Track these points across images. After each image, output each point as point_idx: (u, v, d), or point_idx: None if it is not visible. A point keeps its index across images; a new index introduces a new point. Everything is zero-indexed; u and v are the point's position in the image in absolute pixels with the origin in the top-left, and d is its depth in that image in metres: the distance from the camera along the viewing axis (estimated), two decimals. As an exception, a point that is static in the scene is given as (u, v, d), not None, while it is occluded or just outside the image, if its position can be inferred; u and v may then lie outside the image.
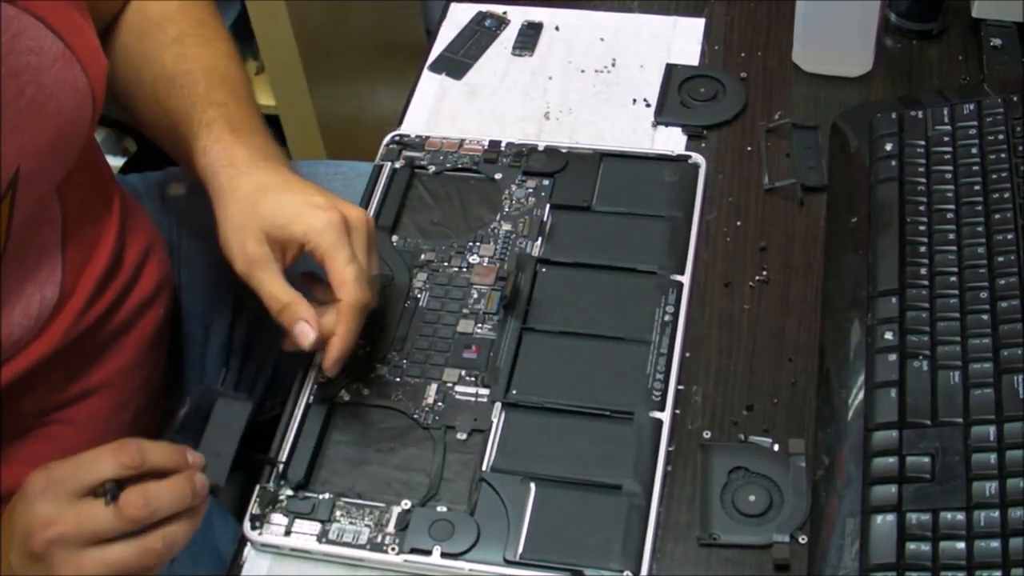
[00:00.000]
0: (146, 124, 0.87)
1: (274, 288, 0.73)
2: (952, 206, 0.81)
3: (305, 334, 0.72)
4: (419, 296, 0.84)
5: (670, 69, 0.98)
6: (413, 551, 0.71)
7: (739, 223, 0.87)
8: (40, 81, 0.72)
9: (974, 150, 0.83)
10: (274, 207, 0.73)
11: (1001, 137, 0.83)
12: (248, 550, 0.73)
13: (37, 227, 0.77)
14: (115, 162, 1.63)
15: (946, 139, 0.85)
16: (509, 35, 1.04)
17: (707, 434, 0.76)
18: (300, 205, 0.73)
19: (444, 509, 0.72)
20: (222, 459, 0.70)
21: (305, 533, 0.72)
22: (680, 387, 0.78)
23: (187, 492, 0.66)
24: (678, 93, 0.96)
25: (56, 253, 0.79)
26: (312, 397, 0.79)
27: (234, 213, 0.74)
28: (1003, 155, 0.82)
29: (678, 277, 0.83)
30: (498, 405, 0.77)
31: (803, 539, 0.70)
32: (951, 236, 0.79)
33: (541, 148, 0.92)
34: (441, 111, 0.98)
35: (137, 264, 0.87)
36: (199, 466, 0.68)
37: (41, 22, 0.72)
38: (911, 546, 0.65)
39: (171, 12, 0.87)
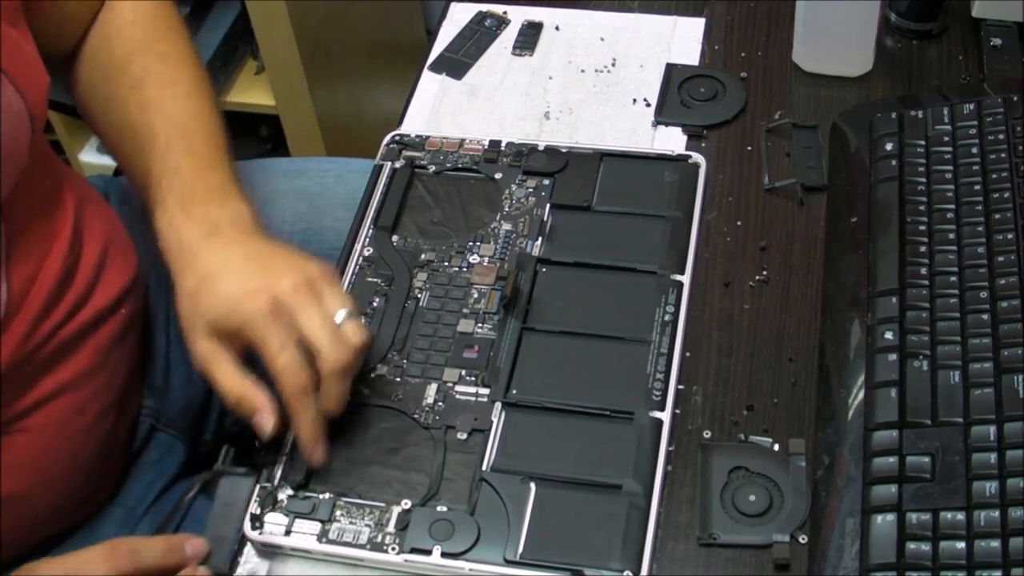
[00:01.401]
0: (118, 162, 0.88)
1: (226, 383, 0.72)
2: (952, 206, 0.81)
3: (261, 425, 0.72)
4: (419, 296, 0.84)
5: (670, 69, 0.98)
6: (413, 551, 0.71)
7: (739, 223, 0.87)
8: None
9: (974, 150, 0.83)
10: (212, 300, 0.73)
11: (1001, 137, 0.83)
12: (248, 550, 0.73)
13: None
14: (112, 162, 1.62)
15: (946, 139, 0.85)
16: (509, 35, 1.04)
17: (707, 434, 0.76)
18: (232, 296, 0.72)
19: (444, 509, 0.72)
20: (226, 542, 0.70)
21: (305, 533, 0.72)
22: (680, 387, 0.78)
23: None
24: (678, 93, 0.96)
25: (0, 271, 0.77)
26: (312, 397, 0.79)
27: (183, 309, 0.75)
28: (1003, 155, 0.82)
29: (678, 277, 0.83)
30: (498, 405, 0.77)
31: (803, 539, 0.70)
32: (951, 236, 0.79)
33: (541, 148, 0.92)
34: (441, 111, 0.98)
35: (94, 271, 0.85)
36: (200, 555, 0.67)
37: None
38: (911, 546, 0.65)
39: (135, 48, 0.87)
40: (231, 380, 0.72)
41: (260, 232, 0.79)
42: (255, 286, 0.72)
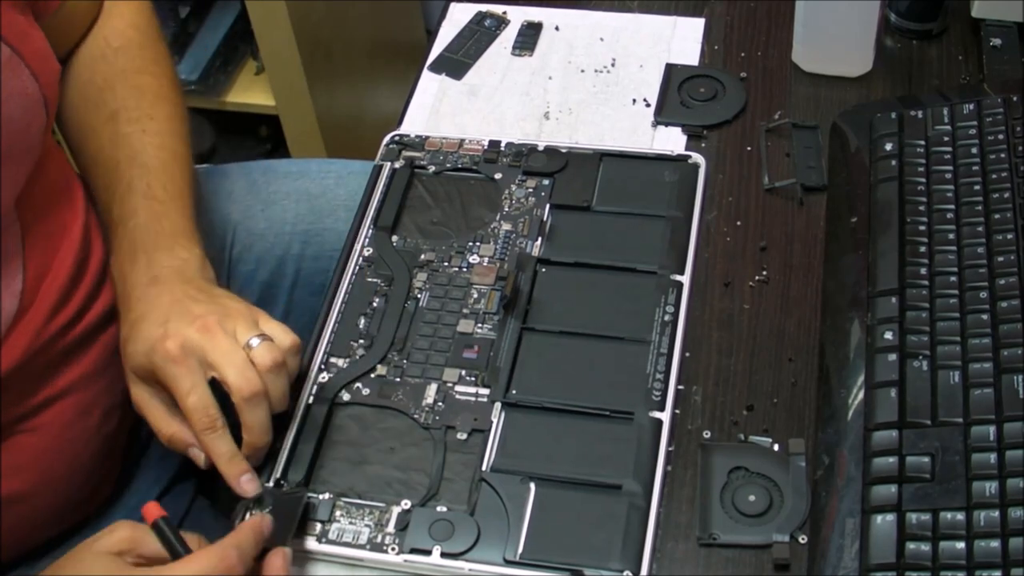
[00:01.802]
0: (90, 188, 0.89)
1: (156, 424, 0.76)
2: (952, 206, 0.81)
3: (195, 458, 0.75)
4: (419, 296, 0.84)
5: (670, 69, 0.98)
6: (413, 551, 0.71)
7: (739, 223, 0.87)
8: None
9: (974, 150, 0.83)
10: (132, 348, 0.75)
11: (1001, 137, 0.83)
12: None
13: None
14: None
15: (946, 139, 0.85)
16: (509, 35, 1.04)
17: (707, 434, 0.76)
18: (147, 343, 0.74)
19: (444, 509, 0.72)
20: (291, 519, 0.72)
21: (305, 533, 0.72)
22: (680, 387, 0.78)
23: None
24: (678, 93, 0.96)
25: (17, 262, 0.78)
26: (312, 397, 0.79)
27: (121, 354, 0.77)
28: (1003, 155, 0.82)
29: (678, 277, 0.83)
30: (498, 405, 0.77)
31: (803, 539, 0.70)
32: (951, 236, 0.79)
33: (541, 148, 0.92)
34: (441, 111, 0.98)
35: (101, 269, 0.86)
36: (270, 529, 0.70)
37: None
38: (911, 546, 0.65)
39: (114, 77, 0.88)
40: (161, 422, 0.76)
41: (203, 279, 0.80)
42: (166, 332, 0.73)
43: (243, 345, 0.73)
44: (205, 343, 0.72)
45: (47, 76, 0.76)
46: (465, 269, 0.85)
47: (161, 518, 0.67)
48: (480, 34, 1.04)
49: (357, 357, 0.81)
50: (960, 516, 0.65)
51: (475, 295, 0.83)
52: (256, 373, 0.72)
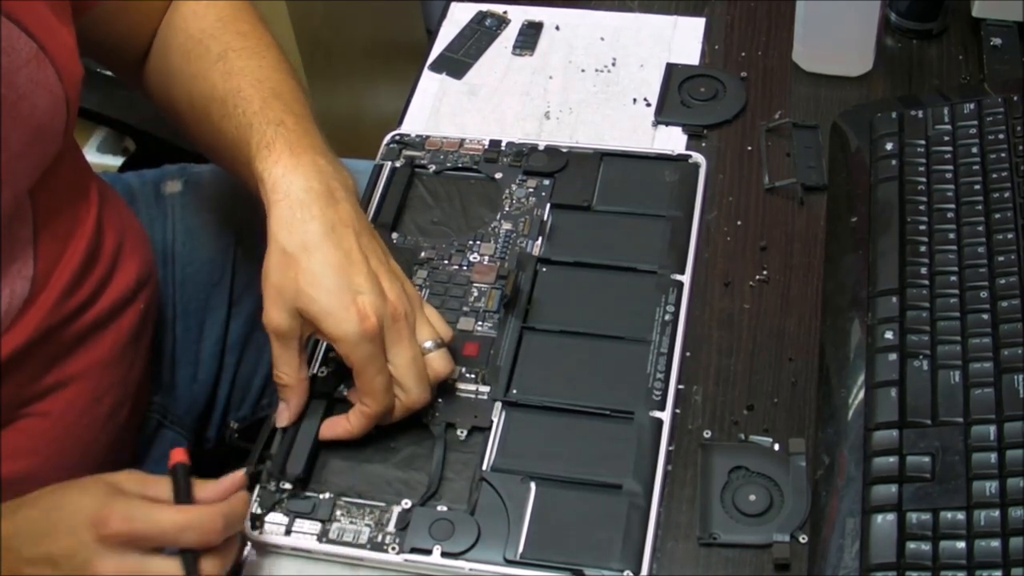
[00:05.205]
0: (203, 146, 0.87)
1: (284, 365, 0.74)
2: (952, 205, 0.81)
3: (280, 416, 0.76)
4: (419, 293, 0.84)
5: (670, 68, 0.98)
6: (413, 550, 0.71)
7: (739, 223, 0.87)
8: (13, 81, 0.71)
9: (974, 149, 0.83)
10: (311, 287, 0.71)
11: (1001, 136, 0.83)
12: (248, 550, 0.73)
13: (9, 224, 0.76)
14: (114, 161, 1.63)
15: (946, 139, 0.85)
16: (509, 35, 1.04)
17: (707, 434, 0.76)
18: (338, 298, 0.71)
19: (444, 508, 0.72)
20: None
21: (305, 533, 0.72)
22: (680, 387, 0.78)
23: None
24: (678, 92, 0.96)
25: (28, 249, 0.78)
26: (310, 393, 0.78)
27: (275, 266, 0.73)
28: (1003, 154, 0.82)
29: (678, 277, 0.83)
30: (498, 404, 0.77)
31: (803, 539, 0.70)
32: (951, 236, 0.79)
33: (541, 147, 0.92)
34: (441, 110, 0.98)
35: (112, 259, 0.86)
36: (244, 485, 0.69)
37: (14, 22, 0.71)
38: (911, 546, 0.65)
39: (212, 27, 0.86)
40: (288, 365, 0.74)
41: (360, 208, 0.78)
42: (358, 304, 0.71)
43: (421, 347, 0.74)
44: (393, 339, 0.72)
45: (71, 77, 0.76)
46: (465, 268, 0.85)
47: (180, 464, 0.66)
48: (480, 34, 1.04)
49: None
50: (960, 516, 0.65)
51: (475, 293, 0.83)
52: (429, 385, 0.74)
